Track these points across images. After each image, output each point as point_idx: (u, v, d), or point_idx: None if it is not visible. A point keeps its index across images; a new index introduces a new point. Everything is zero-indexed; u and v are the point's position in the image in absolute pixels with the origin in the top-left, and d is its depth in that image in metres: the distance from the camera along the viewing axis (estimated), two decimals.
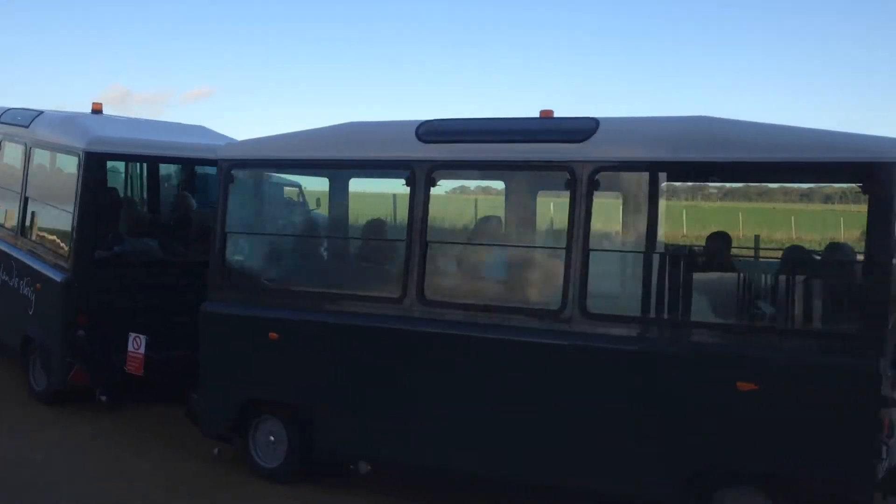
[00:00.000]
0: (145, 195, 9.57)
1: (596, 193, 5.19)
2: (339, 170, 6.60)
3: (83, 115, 8.73)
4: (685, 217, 39.76)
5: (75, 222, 7.58)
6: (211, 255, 6.35)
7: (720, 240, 5.83)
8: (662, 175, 5.33)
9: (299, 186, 14.73)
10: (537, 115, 5.67)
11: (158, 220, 9.15)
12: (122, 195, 9.23)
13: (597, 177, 5.16)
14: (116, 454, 6.69)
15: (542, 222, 6.18)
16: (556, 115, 5.64)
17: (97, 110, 8.80)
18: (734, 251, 5.79)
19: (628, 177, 5.61)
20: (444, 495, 6.06)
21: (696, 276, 5.23)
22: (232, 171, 6.29)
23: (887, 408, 4.44)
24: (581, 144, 5.26)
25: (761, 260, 5.27)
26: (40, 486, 5.93)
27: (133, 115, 7.23)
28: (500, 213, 6.43)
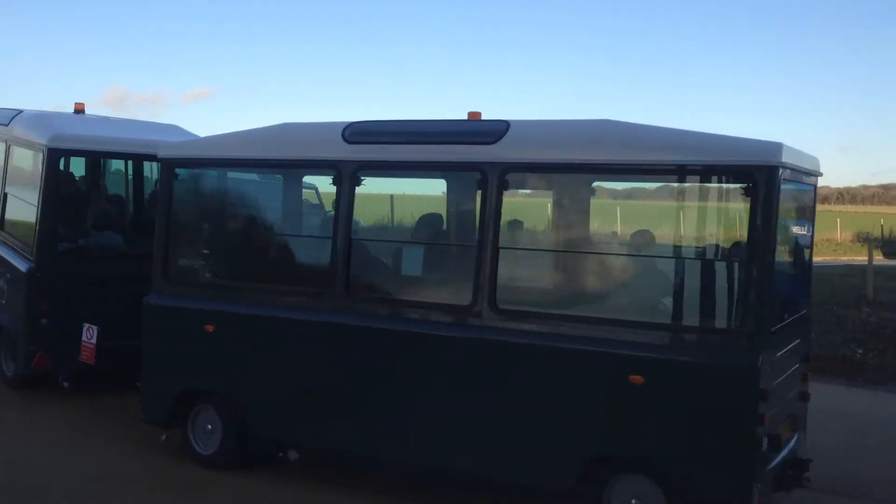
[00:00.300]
0: (131, 191, 9.73)
1: (513, 193, 5.52)
2: (271, 169, 6.91)
3: (59, 114, 9.25)
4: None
5: (38, 215, 7.94)
6: (154, 250, 6.61)
7: (621, 237, 6.09)
8: (567, 176, 5.71)
9: (315, 189, 15.37)
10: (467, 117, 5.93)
11: (127, 214, 9.38)
12: (90, 190, 9.39)
13: (507, 177, 5.40)
14: (112, 454, 6.54)
15: (456, 221, 6.33)
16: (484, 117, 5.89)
17: (79, 110, 9.18)
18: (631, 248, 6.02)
19: (538, 177, 5.90)
20: (445, 496, 5.95)
21: (596, 273, 5.53)
22: (174, 170, 6.58)
23: (766, 402, 4.68)
24: (492, 146, 5.49)
25: (656, 258, 5.49)
26: (36, 488, 5.83)
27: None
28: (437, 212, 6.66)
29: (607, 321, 5.14)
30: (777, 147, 4.80)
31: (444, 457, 5.53)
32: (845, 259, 29.38)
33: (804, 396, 5.90)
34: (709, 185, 5.22)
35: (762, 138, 4.87)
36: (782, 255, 5.35)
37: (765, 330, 4.74)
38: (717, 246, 5.30)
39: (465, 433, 5.41)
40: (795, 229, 5.91)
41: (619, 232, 5.52)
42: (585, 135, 5.38)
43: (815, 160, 5.73)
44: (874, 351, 12.20)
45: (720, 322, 4.97)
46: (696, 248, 5.37)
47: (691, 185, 5.30)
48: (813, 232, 5.96)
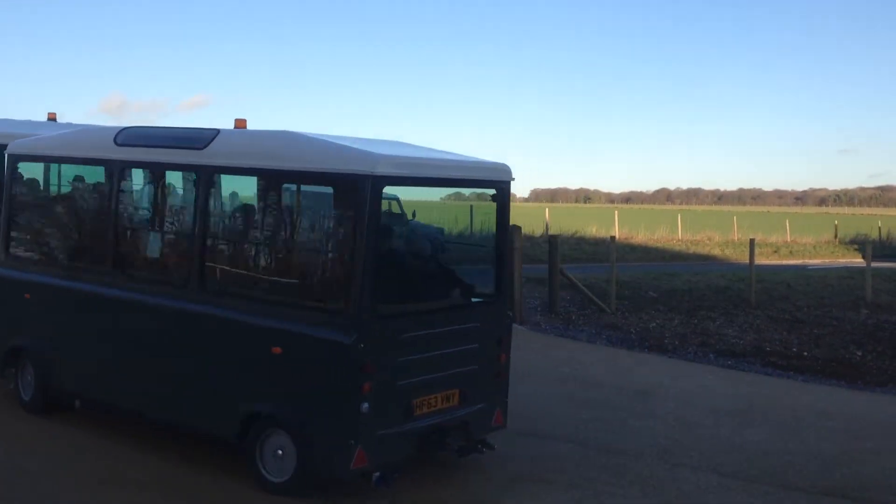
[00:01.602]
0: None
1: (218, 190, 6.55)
2: (76, 165, 7.88)
3: (26, 122, 9.72)
4: (680, 221, 40.00)
5: None
6: None
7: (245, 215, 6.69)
8: (251, 179, 6.48)
9: (397, 199, 15.49)
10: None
11: None
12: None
13: (213, 178, 6.43)
14: (109, 462, 6.45)
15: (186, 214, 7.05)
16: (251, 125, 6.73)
17: (52, 119, 9.89)
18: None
19: (230, 177, 6.66)
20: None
21: (252, 260, 6.35)
22: (17, 164, 7.93)
23: (365, 374, 5.46)
24: (201, 151, 6.45)
25: (298, 252, 6.19)
26: (36, 497, 5.76)
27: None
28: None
29: (258, 300, 6.03)
30: (377, 158, 5.54)
31: (158, 409, 6.62)
32: (843, 261, 29.41)
33: (499, 375, 6.56)
34: (328, 192, 6.03)
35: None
36: (419, 248, 6.56)
37: (365, 312, 5.48)
38: (334, 241, 5.97)
39: (169, 390, 6.49)
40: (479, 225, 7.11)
41: (288, 229, 6.27)
42: (263, 144, 6.28)
43: (500, 170, 6.59)
44: (873, 353, 12.22)
45: (334, 304, 5.70)
46: (319, 241, 6.05)
47: (315, 189, 6.14)
48: (503, 229, 6.64)
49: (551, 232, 27.87)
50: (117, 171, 7.03)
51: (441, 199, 8.23)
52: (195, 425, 6.41)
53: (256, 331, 5.91)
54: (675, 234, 38.08)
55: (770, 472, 6.76)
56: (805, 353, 12.07)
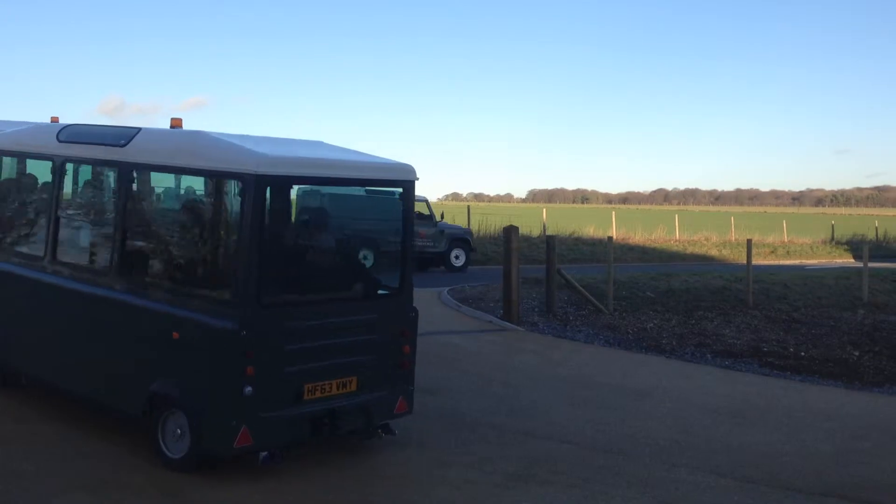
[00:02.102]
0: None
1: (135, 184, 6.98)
2: (30, 159, 8.31)
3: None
4: (678, 221, 40.04)
5: None
6: None
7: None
8: (161, 175, 7.00)
9: (426, 201, 19.51)
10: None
11: None
12: None
13: (131, 173, 6.84)
14: (107, 466, 6.43)
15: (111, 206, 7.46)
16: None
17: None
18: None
19: (145, 173, 7.09)
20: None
21: (160, 248, 6.75)
22: None
23: (249, 359, 5.85)
24: (123, 149, 6.88)
25: (201, 247, 6.57)
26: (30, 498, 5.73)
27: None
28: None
29: (163, 289, 6.42)
30: (260, 158, 5.92)
31: (85, 387, 7.07)
32: (840, 261, 29.43)
33: (402, 365, 6.86)
34: (208, 189, 6.49)
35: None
36: (328, 241, 6.93)
37: (249, 302, 5.88)
38: (225, 235, 6.33)
39: (93, 370, 6.92)
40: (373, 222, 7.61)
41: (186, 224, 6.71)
42: (174, 144, 6.68)
43: (405, 170, 6.83)
44: (870, 353, 12.23)
45: (222, 294, 6.09)
46: (212, 235, 6.41)
47: (212, 186, 6.44)
48: (408, 227, 6.94)
49: (549, 232, 27.88)
50: (57, 165, 7.53)
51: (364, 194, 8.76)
52: (112, 403, 6.88)
53: (160, 317, 6.31)
54: (672, 234, 38.12)
55: (767, 472, 6.76)
56: (802, 354, 12.08)
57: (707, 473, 6.65)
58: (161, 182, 7.08)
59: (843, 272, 21.85)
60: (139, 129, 6.96)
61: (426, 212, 24.07)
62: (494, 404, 8.54)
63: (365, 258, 7.51)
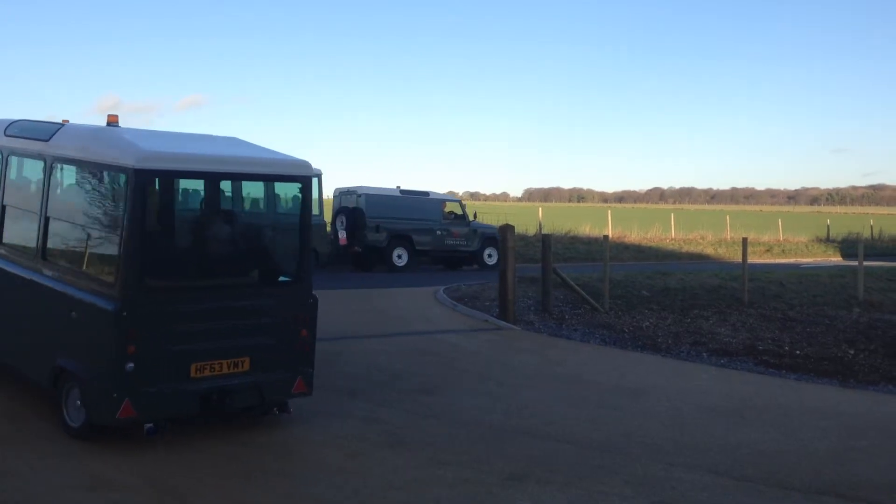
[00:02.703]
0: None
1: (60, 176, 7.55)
2: None
3: None
4: (673, 220, 40.08)
5: None
6: None
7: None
8: (73, 167, 7.44)
9: (460, 202, 21.96)
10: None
11: None
12: None
13: (54, 165, 7.44)
14: (100, 465, 6.41)
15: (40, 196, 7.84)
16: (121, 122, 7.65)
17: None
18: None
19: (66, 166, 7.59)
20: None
21: (70, 235, 7.29)
22: None
23: (129, 338, 6.40)
24: (46, 143, 7.55)
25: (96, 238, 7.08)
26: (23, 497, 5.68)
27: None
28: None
29: (70, 272, 7.02)
30: (141, 153, 6.46)
31: (17, 359, 7.74)
32: (835, 260, 29.49)
33: (300, 348, 7.27)
34: (101, 181, 6.99)
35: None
36: (220, 230, 7.33)
37: (130, 286, 6.44)
38: (113, 224, 6.79)
39: (23, 344, 7.58)
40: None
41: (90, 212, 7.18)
42: (82, 137, 7.29)
43: (302, 166, 7.33)
44: (865, 351, 12.24)
45: (109, 278, 6.63)
46: (105, 224, 6.92)
47: (108, 178, 6.88)
48: (306, 220, 7.44)
49: (545, 231, 27.88)
50: (4, 157, 8.19)
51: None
52: (33, 376, 7.48)
53: (64, 298, 6.91)
54: (668, 233, 38.15)
55: (764, 470, 6.76)
56: (797, 352, 12.09)
57: (704, 472, 6.64)
58: (73, 174, 7.54)
59: (838, 271, 21.89)
60: (62, 125, 7.63)
61: (459, 212, 24.53)
62: (490, 403, 8.53)
63: (264, 249, 7.91)
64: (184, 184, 8.23)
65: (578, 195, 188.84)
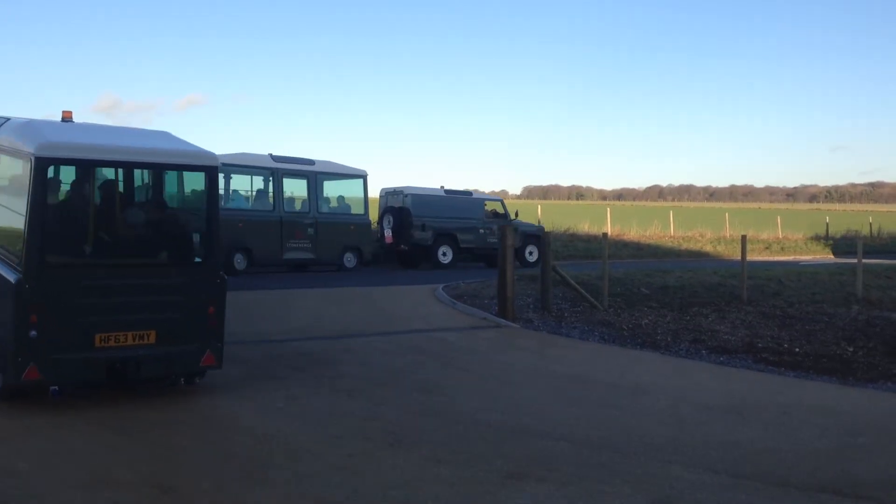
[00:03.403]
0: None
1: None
2: None
3: None
4: (672, 217, 40.07)
5: None
6: None
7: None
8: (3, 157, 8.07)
9: (501, 201, 23.55)
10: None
11: None
12: None
13: None
14: (99, 462, 6.38)
15: None
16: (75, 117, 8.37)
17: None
18: None
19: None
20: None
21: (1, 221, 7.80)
22: None
23: (31, 309, 7.09)
24: None
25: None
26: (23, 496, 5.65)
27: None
28: None
29: (2, 249, 7.55)
30: (42, 143, 7.19)
31: None
32: (828, 259, 29.47)
33: (209, 323, 7.89)
34: (16, 168, 7.54)
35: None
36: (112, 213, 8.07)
37: (33, 261, 7.14)
38: (23, 206, 7.35)
39: None
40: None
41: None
42: (8, 130, 7.84)
43: (207, 157, 8.00)
44: (864, 349, 12.24)
45: (18, 255, 7.25)
46: (21, 206, 7.39)
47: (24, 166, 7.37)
48: (213, 206, 8.06)
49: (544, 229, 27.90)
50: None
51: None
52: None
53: None
54: (667, 230, 38.17)
55: (763, 468, 6.75)
56: (797, 350, 12.09)
57: (703, 470, 6.64)
58: (4, 163, 8.12)
59: (837, 268, 21.89)
60: (6, 119, 8.23)
61: (501, 210, 24.91)
62: (489, 401, 8.53)
63: (171, 232, 8.45)
64: (100, 172, 8.70)
65: (577, 193, 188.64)
